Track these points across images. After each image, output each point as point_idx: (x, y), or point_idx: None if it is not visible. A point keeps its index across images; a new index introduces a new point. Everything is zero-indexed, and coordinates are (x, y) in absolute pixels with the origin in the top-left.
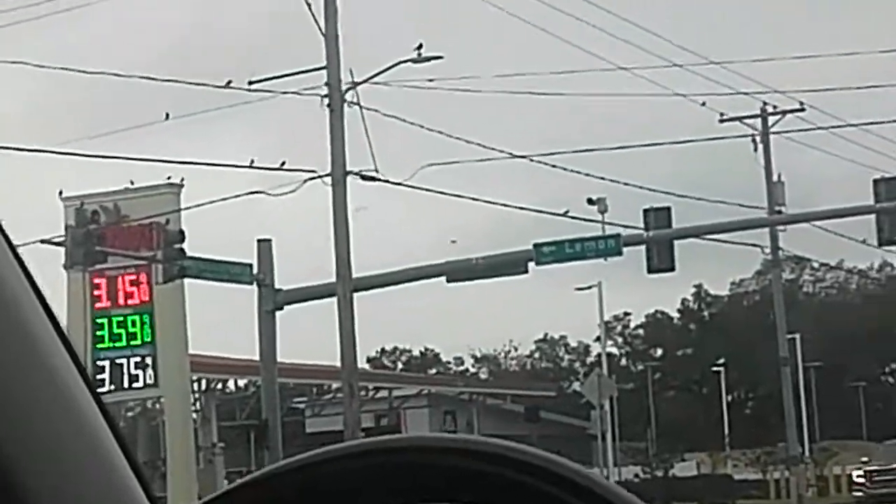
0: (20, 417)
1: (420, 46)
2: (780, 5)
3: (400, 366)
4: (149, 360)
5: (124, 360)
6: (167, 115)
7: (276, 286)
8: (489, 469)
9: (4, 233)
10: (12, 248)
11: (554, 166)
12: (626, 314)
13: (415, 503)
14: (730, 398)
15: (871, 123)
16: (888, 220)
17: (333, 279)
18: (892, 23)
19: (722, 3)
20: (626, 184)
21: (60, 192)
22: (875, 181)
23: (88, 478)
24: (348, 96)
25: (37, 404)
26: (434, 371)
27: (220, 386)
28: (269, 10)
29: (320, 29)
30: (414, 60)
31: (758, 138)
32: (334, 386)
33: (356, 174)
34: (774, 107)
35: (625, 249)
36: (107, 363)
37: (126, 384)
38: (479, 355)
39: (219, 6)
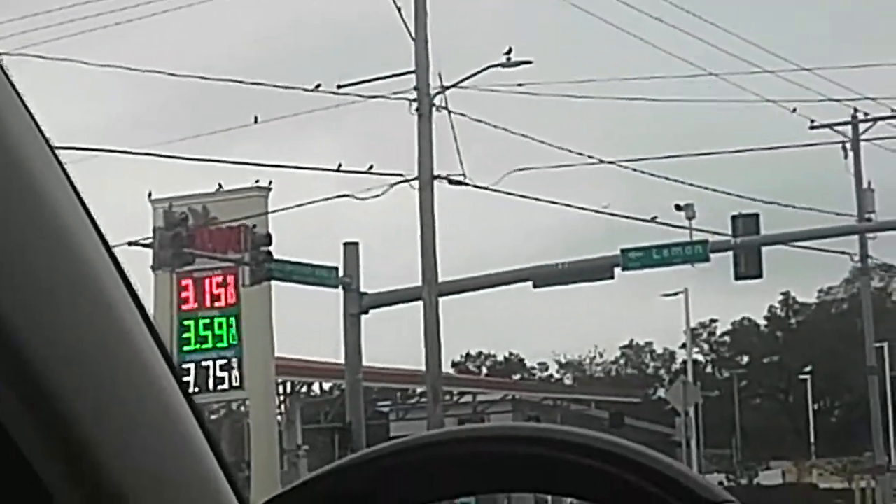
0: (117, 417)
1: (509, 51)
2: (873, 11)
3: (484, 370)
4: (234, 363)
5: (210, 363)
6: (256, 119)
7: (362, 290)
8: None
9: (101, 232)
10: (108, 248)
11: (642, 172)
12: (713, 321)
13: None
14: (816, 406)
15: None
16: None
17: (419, 283)
18: None
19: (814, 9)
20: (714, 190)
21: (149, 195)
22: None
23: (181, 478)
24: (437, 100)
25: (133, 404)
26: (518, 376)
27: (304, 389)
28: (358, 13)
29: (409, 33)
30: (503, 65)
31: (848, 145)
32: (419, 390)
33: (443, 178)
34: (865, 113)
35: (712, 256)
36: (192, 365)
37: (211, 386)
38: (563, 361)
39: (308, 9)
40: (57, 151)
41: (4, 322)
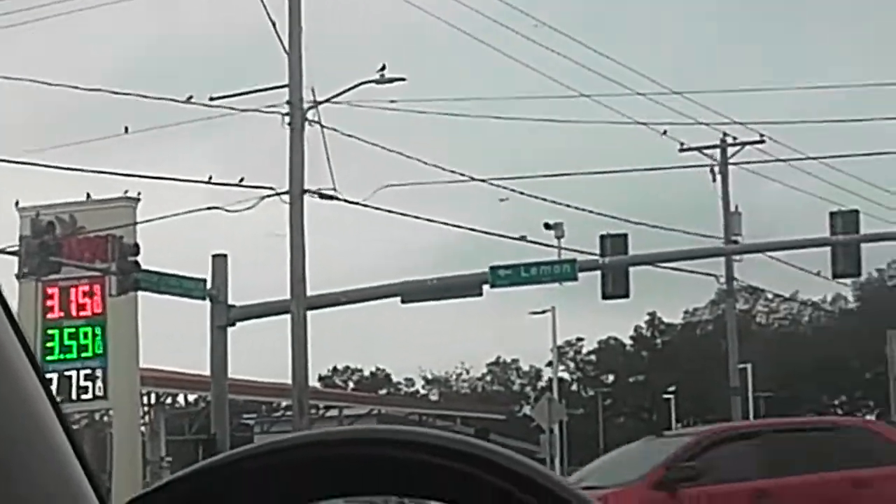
0: None
1: (383, 68)
2: (742, 36)
3: (351, 385)
4: (99, 373)
5: (73, 372)
6: (126, 129)
7: (230, 302)
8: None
9: None
10: None
11: (512, 190)
12: (579, 340)
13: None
14: (680, 426)
15: (829, 157)
16: (843, 253)
17: (287, 296)
18: (851, 58)
19: (684, 32)
20: (583, 210)
21: (17, 203)
22: (831, 214)
23: (45, 484)
24: (309, 115)
25: None
26: (385, 391)
27: (169, 400)
28: (232, 26)
29: (283, 46)
30: (377, 81)
31: (716, 169)
32: (284, 403)
33: (314, 192)
34: (734, 138)
35: (580, 275)
36: (55, 375)
37: (74, 396)
38: (429, 377)
39: (182, 21)
40: None
41: None
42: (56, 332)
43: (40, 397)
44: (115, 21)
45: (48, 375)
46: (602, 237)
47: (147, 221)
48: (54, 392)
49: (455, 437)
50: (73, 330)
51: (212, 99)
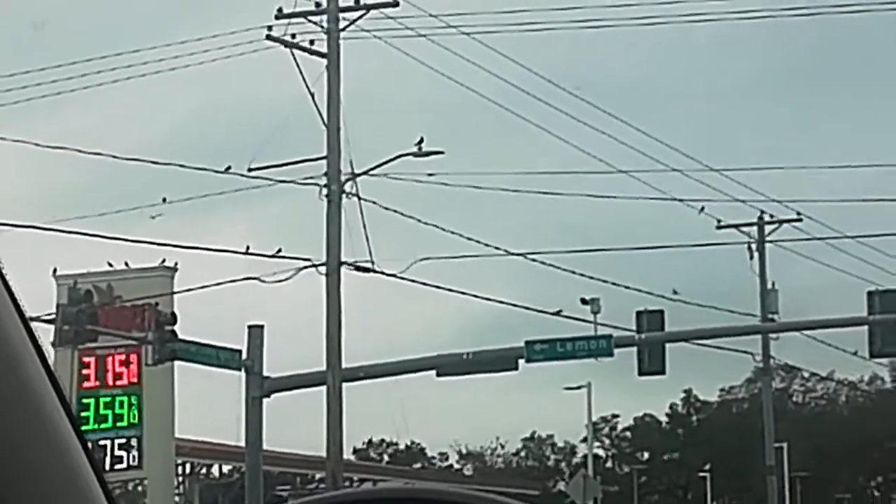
0: (28, 484)
1: (421, 140)
2: (780, 114)
3: (386, 458)
4: (134, 442)
5: (108, 441)
6: (164, 199)
7: (265, 373)
8: None
9: (19, 305)
10: (25, 321)
11: (549, 265)
12: (615, 416)
13: None
14: None
15: (867, 236)
16: (880, 333)
17: (323, 368)
18: (888, 136)
19: (721, 109)
20: (620, 285)
21: (54, 271)
22: (869, 293)
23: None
24: (347, 187)
25: (45, 480)
26: (419, 465)
27: (204, 470)
28: (271, 98)
29: (322, 119)
30: (414, 154)
31: (754, 246)
32: (319, 476)
33: (351, 265)
34: (771, 215)
35: (616, 351)
36: (90, 444)
37: (109, 465)
38: (464, 451)
39: (222, 93)
40: None
41: None
42: (91, 400)
43: (85, 467)
44: (154, 92)
45: None
46: (639, 313)
47: (184, 291)
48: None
49: (479, 495)
50: (108, 399)
51: (250, 170)
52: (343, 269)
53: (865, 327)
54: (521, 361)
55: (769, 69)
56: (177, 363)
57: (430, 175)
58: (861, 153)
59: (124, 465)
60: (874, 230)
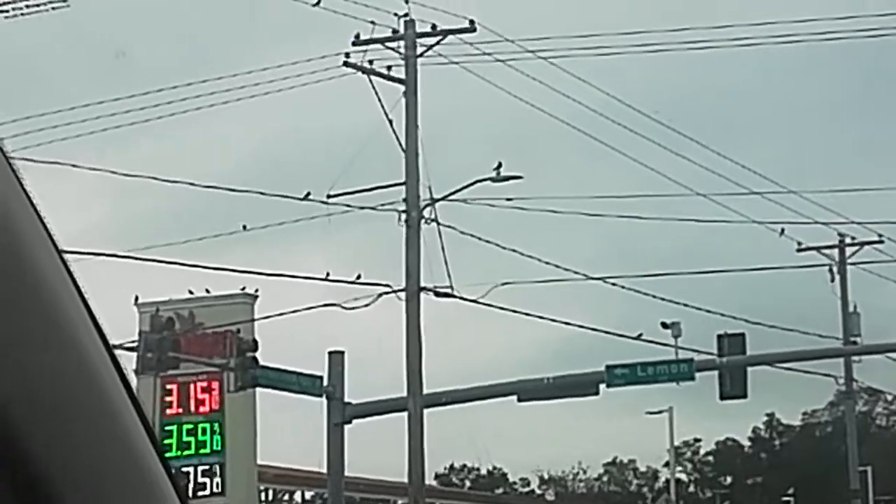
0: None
1: (499, 165)
2: (860, 135)
3: (468, 484)
4: (217, 469)
5: (191, 468)
6: (244, 227)
7: (346, 399)
8: None
9: (102, 331)
10: (108, 347)
11: (628, 289)
12: (697, 440)
13: None
14: None
15: None
16: None
17: (404, 394)
18: None
19: (800, 130)
20: (700, 309)
21: (136, 299)
22: None
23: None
24: (426, 212)
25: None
26: (501, 490)
27: (287, 497)
28: (351, 124)
29: (400, 144)
30: (493, 179)
31: (835, 268)
32: (401, 502)
33: (430, 290)
34: (852, 238)
35: (697, 375)
36: (173, 470)
37: (192, 493)
38: (546, 476)
39: (300, 120)
40: (64, 255)
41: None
42: (174, 427)
43: (170, 495)
44: (233, 120)
45: None
46: (719, 336)
47: (265, 318)
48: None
49: None
50: (191, 426)
51: (329, 196)
52: (422, 295)
53: None
54: (602, 386)
55: (848, 90)
56: (259, 390)
57: (509, 200)
58: None
59: (207, 493)
60: None
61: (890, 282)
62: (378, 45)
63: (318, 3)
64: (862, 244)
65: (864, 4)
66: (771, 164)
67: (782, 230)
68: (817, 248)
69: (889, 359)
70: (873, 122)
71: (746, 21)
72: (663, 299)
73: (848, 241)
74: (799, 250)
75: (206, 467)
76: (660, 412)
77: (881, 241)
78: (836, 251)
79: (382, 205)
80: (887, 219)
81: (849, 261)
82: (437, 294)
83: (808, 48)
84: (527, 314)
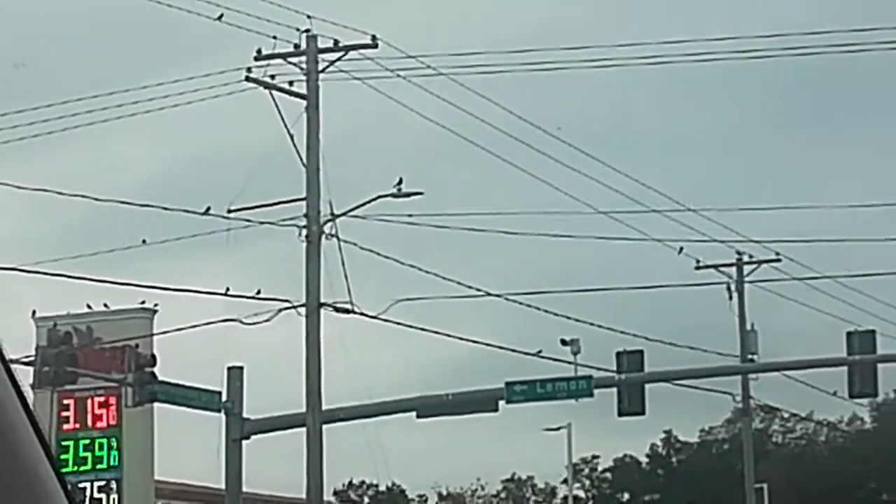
0: None
1: (400, 182)
2: (758, 154)
3: (366, 500)
4: (114, 485)
5: (87, 484)
6: (144, 241)
7: (245, 415)
8: None
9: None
10: (7, 366)
11: (528, 305)
12: (595, 457)
13: None
14: None
15: (846, 276)
16: (859, 373)
17: (303, 409)
18: (866, 177)
19: (699, 149)
20: (600, 326)
21: (33, 313)
22: (848, 334)
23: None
24: (326, 228)
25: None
26: None
27: None
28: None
29: (301, 159)
30: (393, 195)
31: (732, 287)
32: None
33: (330, 306)
34: (750, 256)
35: (596, 391)
36: (69, 486)
37: None
38: (444, 493)
39: (202, 135)
40: None
41: None
42: (71, 443)
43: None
44: (134, 135)
45: None
46: (618, 354)
47: (164, 333)
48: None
49: None
50: (88, 441)
51: (230, 211)
52: (322, 311)
53: (845, 368)
54: (502, 402)
55: (744, 109)
56: (157, 405)
57: (410, 216)
58: (840, 193)
59: None
60: (853, 270)
61: (787, 300)
62: (280, 61)
63: (220, 18)
64: (759, 262)
65: (754, 26)
66: (670, 181)
67: (681, 248)
68: (715, 267)
69: (785, 376)
70: (770, 141)
71: (646, 40)
72: (563, 316)
73: (746, 259)
74: (697, 268)
75: (103, 483)
76: (558, 429)
77: (778, 260)
78: (734, 269)
79: (283, 220)
80: (784, 237)
81: (746, 279)
82: (337, 310)
83: (706, 67)
84: (426, 330)
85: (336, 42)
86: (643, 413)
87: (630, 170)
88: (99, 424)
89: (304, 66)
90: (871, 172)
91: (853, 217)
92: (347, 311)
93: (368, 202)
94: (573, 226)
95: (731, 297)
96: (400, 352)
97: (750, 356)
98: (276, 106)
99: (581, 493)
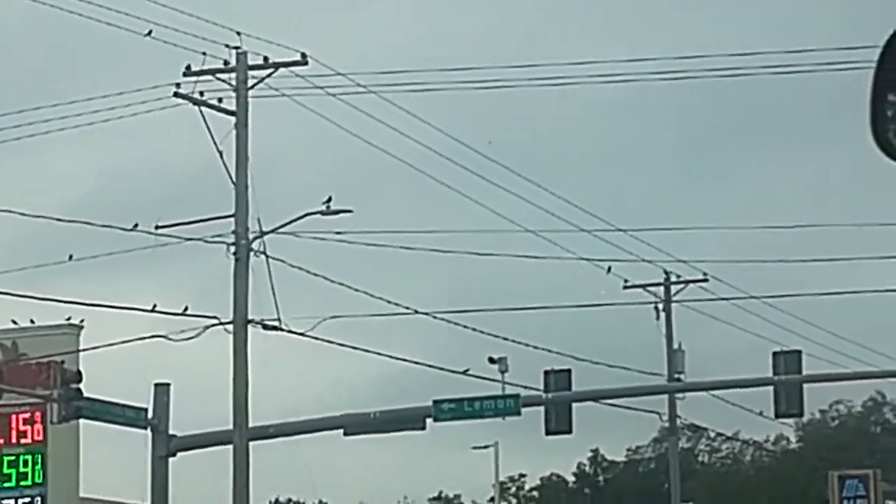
0: None
1: (329, 199)
2: (687, 174)
3: None
4: (38, 501)
5: (11, 501)
6: (70, 257)
7: (172, 432)
8: None
9: None
10: None
11: (456, 324)
12: (522, 475)
13: None
14: None
15: (773, 297)
16: (785, 393)
17: (230, 426)
18: (795, 198)
19: (628, 168)
20: (528, 345)
21: None
22: (774, 354)
23: None
24: (255, 245)
25: None
26: None
27: None
28: (182, 156)
29: (230, 177)
30: (322, 212)
31: (660, 306)
32: None
33: (258, 323)
34: (678, 276)
35: (524, 410)
36: None
37: None
38: None
39: (130, 152)
40: None
41: None
42: None
43: None
44: (61, 152)
45: None
46: (546, 373)
47: (90, 349)
48: None
49: None
50: (12, 458)
51: (157, 227)
52: (250, 328)
53: (771, 387)
54: (429, 420)
55: (671, 129)
56: (82, 421)
57: (339, 234)
58: (767, 215)
59: None
60: (780, 291)
61: (714, 320)
62: (210, 77)
63: (149, 34)
64: (686, 282)
65: (682, 48)
66: (597, 200)
67: (609, 268)
68: (643, 286)
69: (712, 396)
70: (697, 161)
71: (574, 59)
72: (491, 335)
73: (673, 279)
74: (625, 287)
75: (28, 500)
76: (486, 447)
77: (706, 280)
78: (661, 289)
79: (212, 237)
80: (711, 257)
81: (674, 299)
82: (265, 327)
83: (634, 87)
84: (354, 348)
85: (266, 59)
86: (570, 432)
87: (560, 189)
88: (24, 441)
89: (233, 82)
90: (799, 195)
91: (778, 238)
92: (275, 329)
93: (297, 219)
94: (502, 244)
95: (658, 317)
96: (328, 369)
97: (677, 375)
98: (206, 122)
99: None
